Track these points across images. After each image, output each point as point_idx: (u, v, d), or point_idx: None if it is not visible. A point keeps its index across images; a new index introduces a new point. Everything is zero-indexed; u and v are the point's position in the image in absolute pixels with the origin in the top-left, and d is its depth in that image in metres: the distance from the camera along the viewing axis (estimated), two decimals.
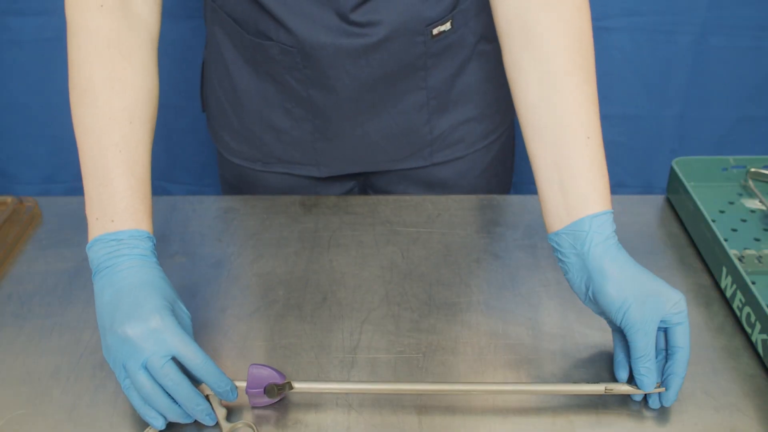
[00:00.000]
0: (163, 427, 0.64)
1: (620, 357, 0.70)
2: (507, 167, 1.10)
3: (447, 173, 1.01)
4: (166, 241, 0.88)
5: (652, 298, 0.65)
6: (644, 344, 0.65)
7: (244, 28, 0.89)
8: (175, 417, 0.63)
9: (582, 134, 0.68)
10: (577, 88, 0.69)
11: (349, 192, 1.06)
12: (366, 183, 1.06)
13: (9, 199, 0.91)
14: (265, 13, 0.85)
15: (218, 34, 0.94)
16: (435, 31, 0.87)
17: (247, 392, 0.66)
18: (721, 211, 0.92)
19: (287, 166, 1.00)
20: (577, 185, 0.68)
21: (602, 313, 0.69)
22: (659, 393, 0.67)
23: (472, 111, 0.98)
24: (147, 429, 0.64)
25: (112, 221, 0.66)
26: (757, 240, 0.87)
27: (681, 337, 0.66)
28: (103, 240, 0.65)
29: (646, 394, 0.68)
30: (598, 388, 0.67)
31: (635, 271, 0.67)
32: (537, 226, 0.91)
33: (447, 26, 0.88)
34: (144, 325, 0.61)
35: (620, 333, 0.69)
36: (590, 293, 0.68)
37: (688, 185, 0.88)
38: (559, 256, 0.70)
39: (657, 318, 0.65)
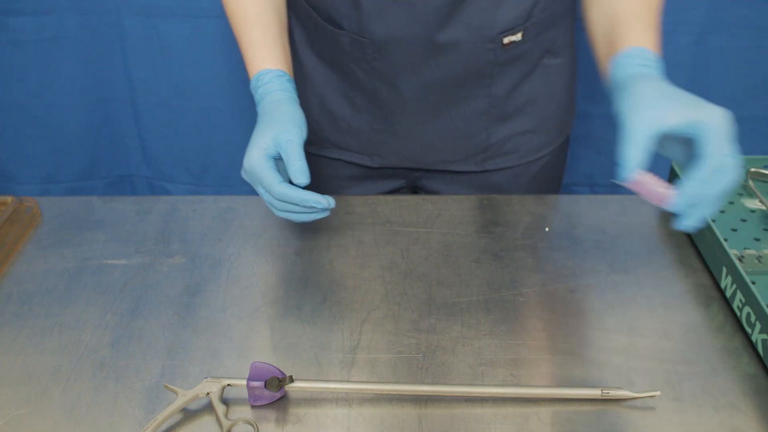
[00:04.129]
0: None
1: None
2: (558, 170, 1.10)
3: (498, 178, 1.02)
4: (166, 241, 0.88)
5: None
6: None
7: (318, 13, 0.91)
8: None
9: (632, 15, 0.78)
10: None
11: (398, 190, 1.07)
12: (417, 183, 1.07)
13: (9, 199, 0.91)
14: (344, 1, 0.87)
15: (290, 16, 0.96)
16: (506, 41, 0.88)
17: (248, 385, 0.67)
18: (721, 211, 0.91)
19: (341, 152, 1.01)
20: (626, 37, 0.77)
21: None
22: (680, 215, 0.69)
23: (531, 123, 0.99)
24: (146, 429, 0.64)
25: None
26: (757, 240, 0.87)
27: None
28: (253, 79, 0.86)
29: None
30: (595, 392, 0.68)
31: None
32: (537, 226, 0.91)
33: (518, 37, 0.89)
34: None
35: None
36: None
37: None
38: (613, 92, 0.75)
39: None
